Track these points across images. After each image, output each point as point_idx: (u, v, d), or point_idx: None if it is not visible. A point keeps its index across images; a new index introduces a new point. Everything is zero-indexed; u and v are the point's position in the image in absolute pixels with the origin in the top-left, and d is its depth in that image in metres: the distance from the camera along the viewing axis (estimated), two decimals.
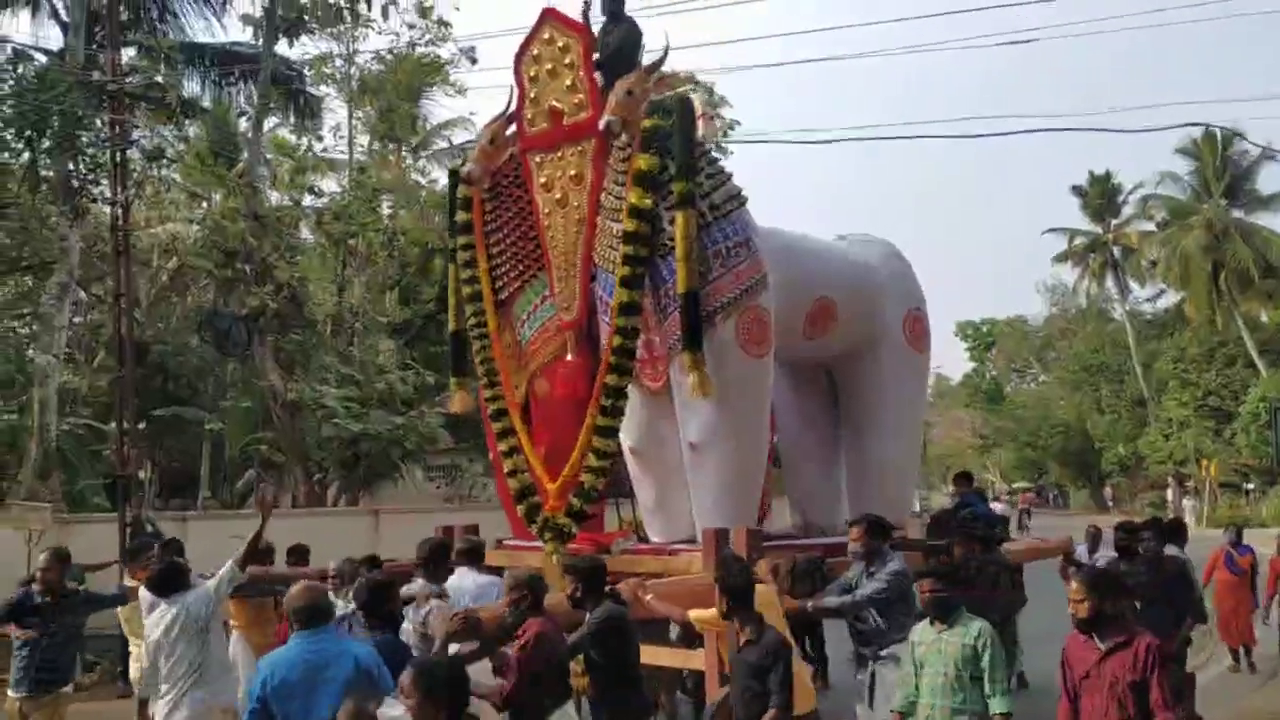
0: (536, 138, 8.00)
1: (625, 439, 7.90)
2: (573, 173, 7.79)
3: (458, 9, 29.62)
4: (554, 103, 7.83)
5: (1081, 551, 9.82)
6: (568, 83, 7.77)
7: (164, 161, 21.63)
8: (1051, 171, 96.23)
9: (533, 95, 7.99)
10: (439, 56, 25.94)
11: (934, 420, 64.95)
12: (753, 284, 7.40)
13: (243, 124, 23.74)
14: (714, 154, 7.86)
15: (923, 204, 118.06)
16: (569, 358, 7.93)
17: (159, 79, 19.73)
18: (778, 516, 10.12)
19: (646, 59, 7.79)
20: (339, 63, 25.87)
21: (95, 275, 21.38)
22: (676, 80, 7.85)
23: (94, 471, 21.52)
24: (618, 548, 7.70)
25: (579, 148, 7.75)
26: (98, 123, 17.84)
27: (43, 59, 19.73)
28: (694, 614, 5.90)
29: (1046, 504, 54.12)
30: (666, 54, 7.51)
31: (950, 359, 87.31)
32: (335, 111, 27.47)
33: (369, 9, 21.82)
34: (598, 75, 7.85)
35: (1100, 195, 49.84)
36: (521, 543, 7.96)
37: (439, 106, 30.26)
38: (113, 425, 20.39)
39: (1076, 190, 50.50)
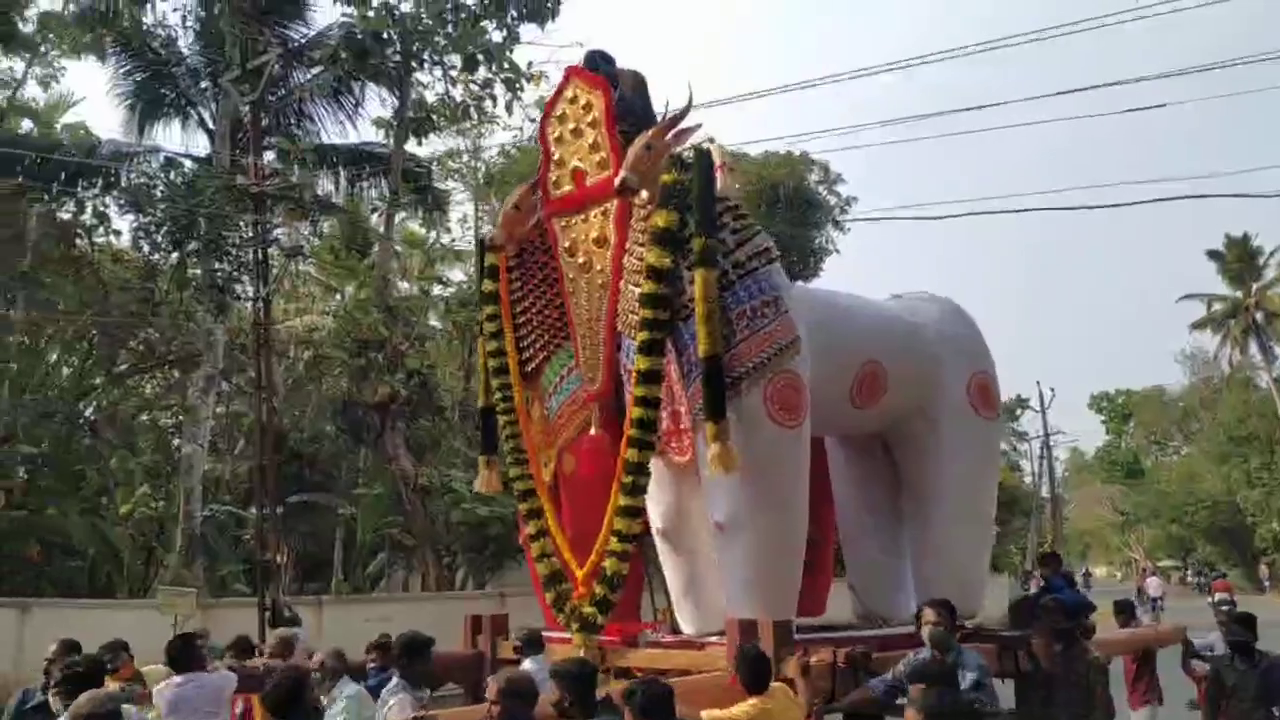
0: (561, 200, 7.58)
1: (653, 519, 7.30)
2: (595, 235, 7.32)
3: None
4: (577, 163, 7.40)
5: (1214, 641, 8.38)
6: (590, 141, 7.34)
7: (301, 257, 22.68)
8: (1180, 236, 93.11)
9: (557, 156, 7.57)
10: None
11: (1069, 497, 62.66)
12: (783, 347, 6.75)
13: (374, 219, 24.74)
14: (741, 208, 7.27)
15: (1051, 275, 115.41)
16: (594, 432, 7.43)
17: (295, 180, 20.72)
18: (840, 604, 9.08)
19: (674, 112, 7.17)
20: (465, 158, 26.88)
21: (237, 367, 22.35)
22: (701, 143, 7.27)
23: (235, 556, 22.28)
24: (645, 640, 7.13)
25: (602, 209, 7.28)
26: (241, 224, 18.88)
27: (191, 165, 20.96)
28: (707, 715, 5.18)
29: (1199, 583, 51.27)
30: (690, 106, 6.94)
31: (1085, 432, 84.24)
32: (462, 204, 28.43)
33: (494, 106, 22.62)
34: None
35: (1239, 258, 47.83)
36: (555, 634, 7.36)
37: None
38: (252, 511, 21.18)
39: (1213, 254, 48.69)
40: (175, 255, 20.37)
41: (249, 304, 19.63)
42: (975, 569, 8.32)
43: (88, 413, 23.62)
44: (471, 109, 22.90)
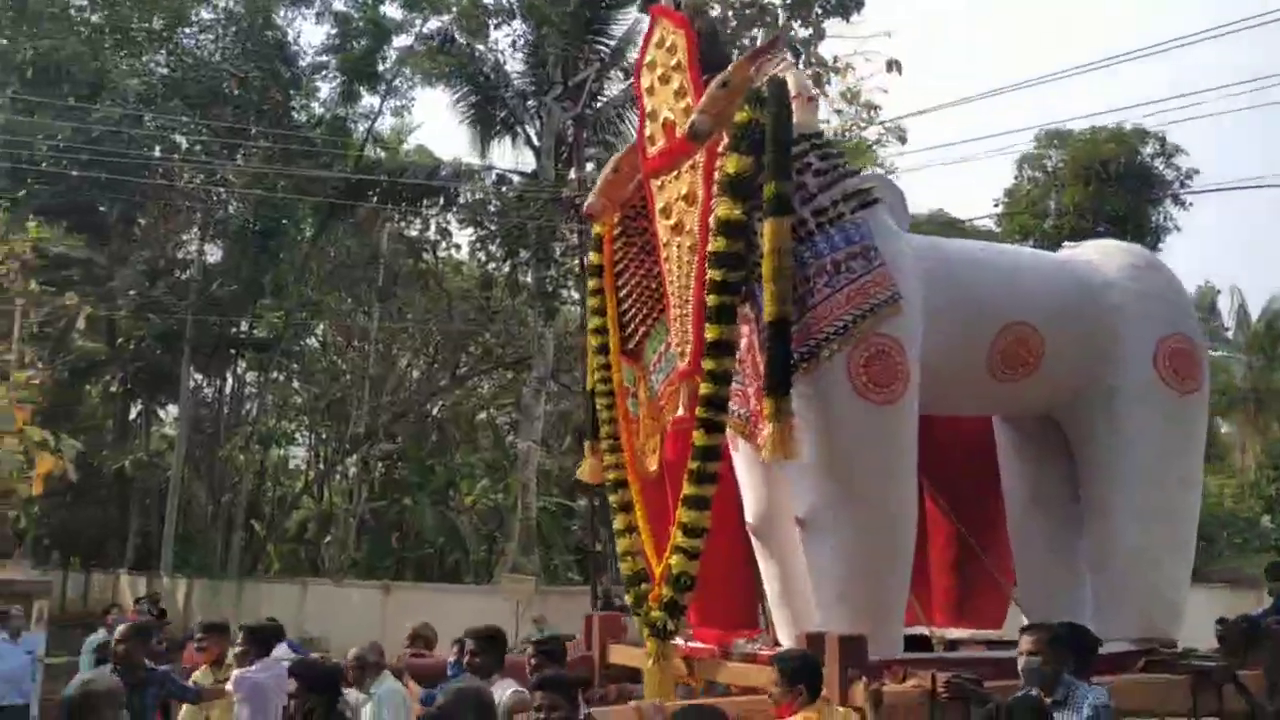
0: (656, 158, 6.70)
1: (747, 514, 6.43)
2: (685, 192, 6.41)
3: (885, 91, 29.56)
4: (667, 113, 6.52)
5: None
6: (676, 87, 6.47)
7: None
8: None
9: (649, 109, 6.71)
10: (864, 139, 26.33)
11: None
12: (874, 305, 5.61)
13: None
14: (828, 146, 6.20)
15: None
16: (681, 413, 6.32)
17: None
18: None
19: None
20: None
21: (564, 368, 23.68)
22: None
23: (565, 546, 23.65)
24: (738, 650, 6.24)
25: (691, 162, 6.40)
26: (566, 233, 20.04)
27: (519, 180, 22.45)
28: None
29: None
30: (777, 40, 6.15)
31: None
32: None
33: None
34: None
35: None
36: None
37: None
38: (580, 503, 22.39)
39: None
40: (508, 265, 21.90)
41: (575, 308, 20.74)
42: (1169, 580, 6.71)
43: (435, 412, 25.86)
44: None
